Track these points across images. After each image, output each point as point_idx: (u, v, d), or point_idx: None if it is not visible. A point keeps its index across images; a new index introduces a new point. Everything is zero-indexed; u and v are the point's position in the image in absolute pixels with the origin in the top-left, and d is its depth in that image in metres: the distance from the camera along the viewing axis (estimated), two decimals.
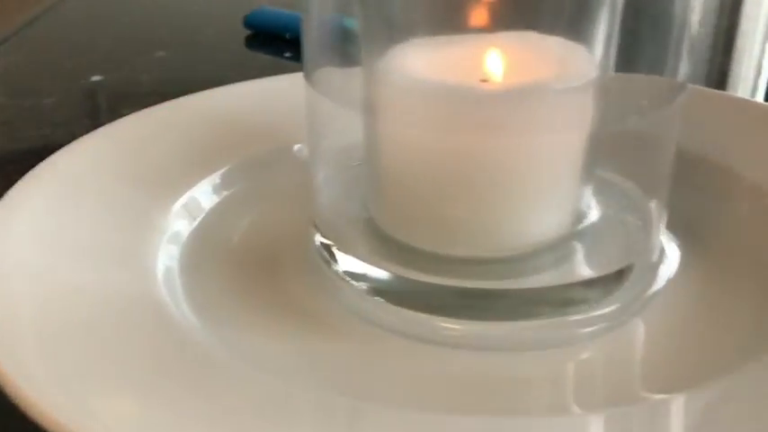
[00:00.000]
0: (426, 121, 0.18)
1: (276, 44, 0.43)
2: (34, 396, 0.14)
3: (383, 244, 0.20)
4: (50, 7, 0.51)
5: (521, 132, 0.18)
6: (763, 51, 0.45)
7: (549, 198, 0.19)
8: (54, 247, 0.19)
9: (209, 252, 0.21)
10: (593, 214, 0.20)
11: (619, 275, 0.19)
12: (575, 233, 0.20)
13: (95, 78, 0.39)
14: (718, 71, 0.42)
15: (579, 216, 0.20)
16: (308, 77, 0.20)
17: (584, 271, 0.19)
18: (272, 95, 0.26)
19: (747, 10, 0.54)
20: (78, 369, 0.15)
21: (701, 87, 0.26)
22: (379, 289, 0.19)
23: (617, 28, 0.18)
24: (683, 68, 0.19)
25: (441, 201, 0.19)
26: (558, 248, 0.19)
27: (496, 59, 0.19)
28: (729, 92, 0.37)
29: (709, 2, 0.55)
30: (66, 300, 0.17)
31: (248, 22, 0.45)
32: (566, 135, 0.19)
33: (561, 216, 0.19)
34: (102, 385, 0.15)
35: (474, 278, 0.18)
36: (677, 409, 0.15)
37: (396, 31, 0.19)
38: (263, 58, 0.43)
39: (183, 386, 0.15)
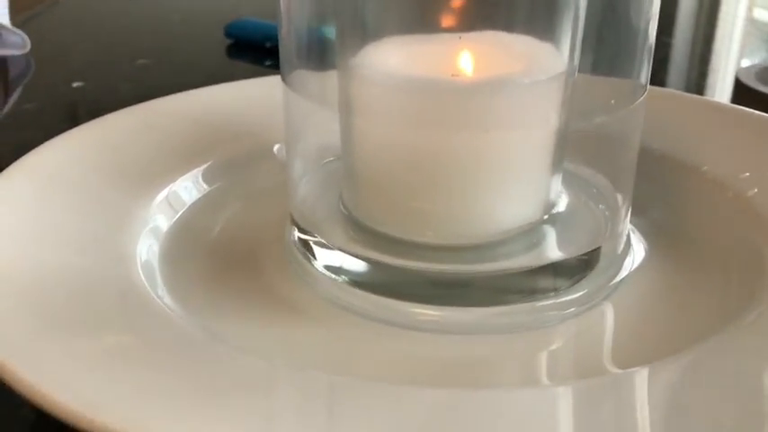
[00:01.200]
0: (400, 114, 0.19)
1: (256, 53, 0.44)
2: (19, 371, 0.14)
3: (360, 235, 0.20)
4: (33, 14, 0.52)
5: (491, 125, 0.19)
6: (739, 58, 0.46)
7: (520, 188, 0.20)
8: (34, 237, 0.19)
9: (190, 244, 0.21)
10: (563, 203, 0.21)
11: (586, 263, 0.20)
12: (544, 220, 0.20)
13: (76, 85, 0.39)
14: (697, 79, 0.43)
15: (549, 205, 0.20)
16: (284, 78, 0.21)
17: (554, 254, 0.20)
18: (254, 96, 0.27)
19: (722, 23, 0.56)
20: (58, 348, 0.15)
21: (666, 89, 0.27)
22: (356, 281, 0.20)
23: (581, 28, 0.19)
24: (645, 72, 0.20)
25: (415, 191, 0.20)
26: (529, 235, 0.20)
27: (467, 56, 0.19)
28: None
29: (685, 15, 0.57)
30: (46, 284, 0.17)
31: (229, 32, 0.46)
32: (534, 127, 0.19)
33: (531, 205, 0.20)
34: (85, 364, 0.15)
35: (448, 263, 0.19)
36: (641, 380, 0.15)
37: (370, 29, 0.20)
38: (244, 66, 0.44)
39: (164, 363, 0.15)
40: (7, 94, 0.38)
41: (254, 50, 0.44)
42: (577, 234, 0.20)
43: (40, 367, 0.15)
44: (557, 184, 0.21)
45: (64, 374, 0.15)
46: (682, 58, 0.48)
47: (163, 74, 0.42)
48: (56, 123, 0.34)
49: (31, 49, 0.43)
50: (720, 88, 0.41)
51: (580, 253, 0.20)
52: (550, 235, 0.20)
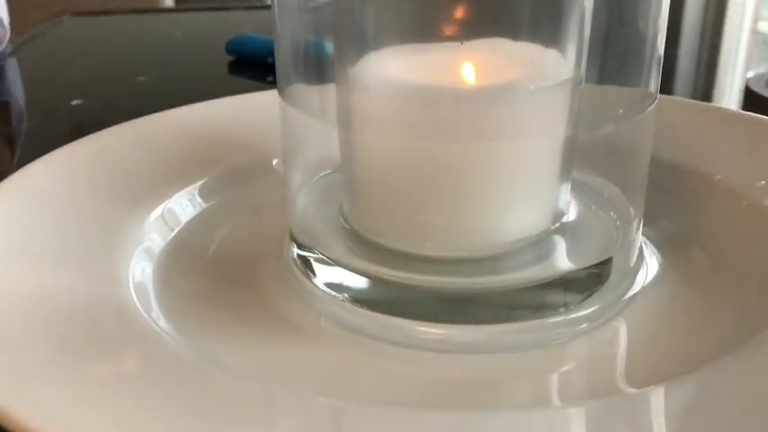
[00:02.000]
0: (402, 123, 0.18)
1: (258, 69, 0.43)
2: (6, 403, 0.13)
3: (361, 249, 0.19)
4: (36, 33, 0.52)
5: (496, 132, 0.18)
6: (745, 71, 0.46)
7: (527, 197, 0.19)
8: (27, 254, 0.19)
9: (185, 262, 0.21)
10: (572, 212, 0.20)
11: (597, 277, 0.19)
12: (553, 230, 0.20)
13: (76, 102, 0.39)
14: (703, 88, 0.43)
15: (558, 214, 0.20)
16: (281, 92, 0.20)
17: (564, 265, 0.19)
18: (251, 110, 0.27)
19: (727, 36, 0.55)
20: (43, 371, 0.15)
21: (676, 97, 0.27)
22: (358, 298, 0.19)
23: (587, 33, 0.19)
24: (654, 80, 0.20)
25: (419, 202, 0.19)
26: (537, 246, 0.19)
27: (470, 63, 0.19)
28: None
29: (689, 28, 0.56)
30: (34, 308, 0.17)
31: (230, 48, 0.45)
32: (541, 135, 0.19)
33: (539, 214, 0.19)
34: (75, 393, 0.14)
35: (453, 276, 0.18)
36: (657, 400, 0.15)
37: (369, 38, 0.19)
38: (245, 82, 0.44)
39: (159, 390, 0.14)
40: (13, 153, 0.38)
41: (255, 67, 0.44)
42: (588, 244, 0.20)
43: (28, 398, 0.14)
44: (565, 192, 0.20)
45: (54, 405, 0.14)
46: (687, 71, 0.47)
47: (164, 91, 0.41)
48: (55, 141, 0.34)
49: (31, 66, 0.42)
50: (727, 102, 0.40)
51: (591, 263, 0.19)
52: (560, 245, 0.19)
